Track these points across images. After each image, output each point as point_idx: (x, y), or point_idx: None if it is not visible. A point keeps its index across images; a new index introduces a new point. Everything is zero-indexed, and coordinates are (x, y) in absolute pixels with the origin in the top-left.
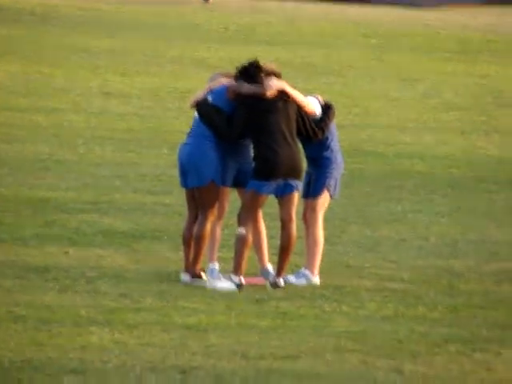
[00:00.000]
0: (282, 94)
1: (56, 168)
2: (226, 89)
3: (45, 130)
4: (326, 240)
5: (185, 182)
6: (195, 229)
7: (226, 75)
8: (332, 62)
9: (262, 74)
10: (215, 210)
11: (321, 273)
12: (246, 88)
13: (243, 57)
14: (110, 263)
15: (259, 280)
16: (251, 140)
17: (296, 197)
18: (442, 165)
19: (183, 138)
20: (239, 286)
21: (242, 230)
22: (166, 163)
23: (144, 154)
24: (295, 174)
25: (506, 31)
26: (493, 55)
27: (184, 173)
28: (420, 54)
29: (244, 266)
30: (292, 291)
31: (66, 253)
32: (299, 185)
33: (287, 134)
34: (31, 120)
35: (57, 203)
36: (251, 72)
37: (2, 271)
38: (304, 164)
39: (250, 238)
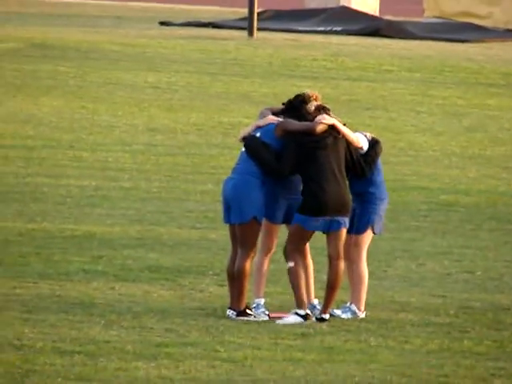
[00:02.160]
0: (332, 131)
1: (102, 203)
2: (275, 126)
3: (90, 165)
4: (372, 274)
5: (228, 217)
6: (236, 265)
7: (275, 110)
8: (376, 96)
9: (309, 105)
10: (255, 247)
11: (366, 307)
12: (297, 125)
13: (287, 91)
14: (156, 298)
15: (286, 313)
16: (300, 176)
17: (344, 233)
18: (487, 199)
19: (228, 174)
20: (306, 317)
21: (290, 264)
22: (211, 199)
23: (189, 190)
24: (343, 210)
25: None
26: None
27: (227, 208)
28: (465, 88)
29: (305, 296)
30: (337, 325)
31: (112, 288)
32: (347, 221)
33: (336, 171)
34: (76, 155)
35: (103, 239)
36: (297, 105)
37: (48, 306)
38: (351, 201)
39: (302, 271)
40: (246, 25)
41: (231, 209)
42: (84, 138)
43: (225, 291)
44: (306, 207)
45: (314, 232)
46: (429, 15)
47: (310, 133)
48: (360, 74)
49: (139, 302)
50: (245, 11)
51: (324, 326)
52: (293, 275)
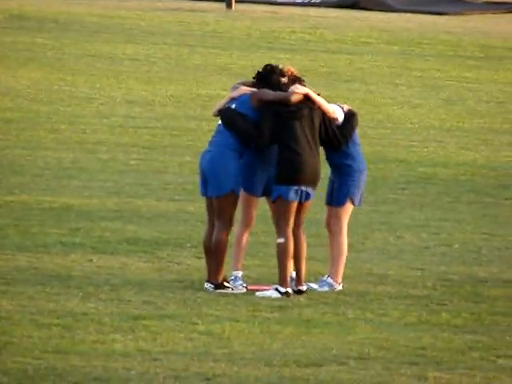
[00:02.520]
0: (307, 101)
1: (79, 175)
2: (250, 96)
3: (68, 137)
4: (350, 247)
5: (205, 190)
6: (213, 238)
7: (247, 84)
8: (355, 68)
9: (283, 79)
10: (233, 220)
11: (344, 279)
12: (271, 95)
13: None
14: (134, 271)
15: (264, 286)
16: (276, 145)
17: (310, 205)
18: (466, 171)
19: (206, 146)
20: (285, 294)
21: (280, 240)
22: (189, 171)
23: (167, 162)
24: (315, 181)
25: None
26: None
27: (204, 181)
28: (443, 60)
29: (288, 274)
30: (315, 298)
31: (90, 260)
32: (314, 193)
33: (311, 141)
34: (53, 128)
35: (80, 211)
36: (267, 76)
37: (26, 278)
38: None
39: (291, 246)
40: None
41: (208, 182)
42: (62, 110)
43: (202, 264)
44: (282, 175)
45: (295, 203)
46: None
47: (285, 103)
48: (338, 47)
49: (117, 275)
50: None
51: (302, 298)
52: (281, 251)
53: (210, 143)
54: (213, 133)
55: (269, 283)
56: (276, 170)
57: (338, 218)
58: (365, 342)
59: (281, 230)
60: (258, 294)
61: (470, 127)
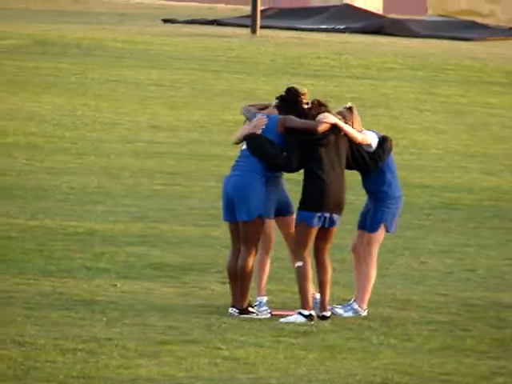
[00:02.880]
0: (334, 128)
1: (104, 200)
2: (277, 123)
3: (92, 162)
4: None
5: (229, 214)
6: (239, 263)
7: (259, 106)
8: (379, 94)
9: (307, 104)
10: (258, 245)
11: (368, 305)
12: (299, 123)
13: None
14: (158, 296)
15: (288, 311)
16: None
17: (334, 232)
18: (490, 197)
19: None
20: (309, 317)
21: (299, 263)
22: (214, 196)
23: (192, 187)
24: (340, 208)
25: None
26: None
27: (229, 205)
28: (467, 86)
29: (310, 297)
30: (339, 323)
31: (114, 285)
32: (339, 220)
33: (337, 168)
34: (78, 153)
35: (105, 236)
36: (290, 99)
37: (50, 303)
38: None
39: (310, 271)
40: (249, 22)
41: (237, 207)
42: (86, 135)
43: (227, 289)
44: (308, 202)
45: (317, 229)
46: (432, 13)
47: (312, 132)
48: (363, 72)
49: (141, 300)
50: (248, 9)
51: (326, 324)
52: (300, 275)
53: (235, 168)
54: (236, 157)
55: (293, 308)
56: (301, 196)
57: (370, 244)
58: (389, 368)
59: (299, 254)
60: (282, 320)
61: (494, 153)
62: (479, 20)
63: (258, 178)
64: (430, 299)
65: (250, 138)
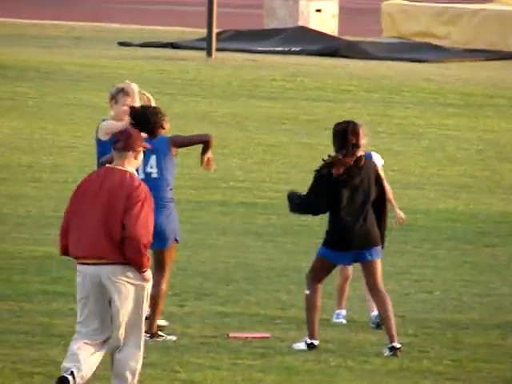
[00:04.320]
0: (359, 167)
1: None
2: (168, 143)
3: (49, 186)
4: (330, 295)
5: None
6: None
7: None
8: (335, 116)
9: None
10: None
11: (326, 327)
12: (187, 138)
13: (246, 112)
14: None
15: (245, 334)
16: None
17: (376, 263)
18: (446, 219)
19: (184, 194)
20: (310, 346)
21: (307, 291)
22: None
23: None
24: (370, 243)
25: (507, 86)
26: (495, 110)
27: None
28: (423, 108)
29: (315, 326)
30: None
31: (72, 309)
32: (375, 252)
33: (362, 208)
34: (35, 176)
35: (62, 260)
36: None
37: (8, 327)
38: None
39: (318, 300)
40: (204, 45)
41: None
42: (43, 158)
43: (185, 311)
44: (330, 242)
45: (336, 264)
46: (387, 35)
47: (203, 143)
48: (319, 94)
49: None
50: (204, 31)
51: (283, 346)
52: (307, 303)
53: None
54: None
55: (251, 331)
56: (326, 235)
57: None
58: None
59: (309, 283)
60: (293, 346)
61: (450, 174)
62: (435, 42)
63: (169, 205)
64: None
65: (291, 207)
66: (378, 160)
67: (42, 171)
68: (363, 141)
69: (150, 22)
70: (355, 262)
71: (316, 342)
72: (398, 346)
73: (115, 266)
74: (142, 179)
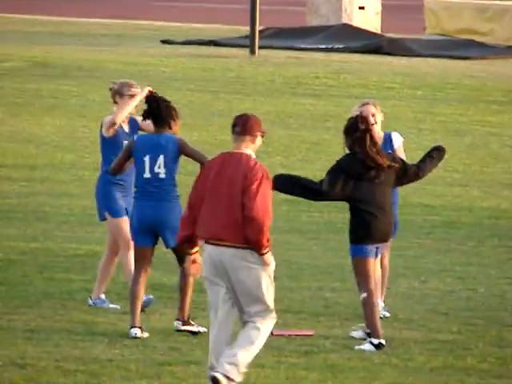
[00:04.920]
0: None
1: (103, 222)
2: (176, 143)
3: (92, 184)
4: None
5: (145, 240)
6: (185, 279)
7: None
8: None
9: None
10: None
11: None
12: (194, 151)
13: (289, 109)
14: (159, 317)
15: (290, 331)
16: (349, 204)
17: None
18: (490, 216)
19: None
20: (379, 346)
21: (363, 295)
22: None
23: None
24: (388, 239)
25: None
26: None
27: (147, 231)
28: (466, 105)
29: (377, 326)
30: (340, 343)
31: (115, 307)
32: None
33: (384, 200)
34: (78, 174)
35: None
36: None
37: (51, 325)
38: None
39: (376, 301)
40: (247, 43)
41: (162, 234)
42: (86, 156)
43: None
44: (359, 236)
45: (371, 258)
46: (430, 32)
47: (200, 163)
48: (362, 92)
49: (142, 321)
50: (247, 29)
51: (327, 343)
52: (366, 306)
53: (144, 195)
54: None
55: (294, 329)
56: (353, 231)
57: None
58: None
59: (362, 285)
60: (356, 347)
61: (493, 171)
62: (478, 38)
63: (176, 202)
64: (431, 318)
65: (275, 184)
66: (397, 138)
67: (84, 169)
68: (377, 118)
69: (193, 19)
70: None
71: (383, 341)
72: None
73: (237, 250)
74: (148, 178)
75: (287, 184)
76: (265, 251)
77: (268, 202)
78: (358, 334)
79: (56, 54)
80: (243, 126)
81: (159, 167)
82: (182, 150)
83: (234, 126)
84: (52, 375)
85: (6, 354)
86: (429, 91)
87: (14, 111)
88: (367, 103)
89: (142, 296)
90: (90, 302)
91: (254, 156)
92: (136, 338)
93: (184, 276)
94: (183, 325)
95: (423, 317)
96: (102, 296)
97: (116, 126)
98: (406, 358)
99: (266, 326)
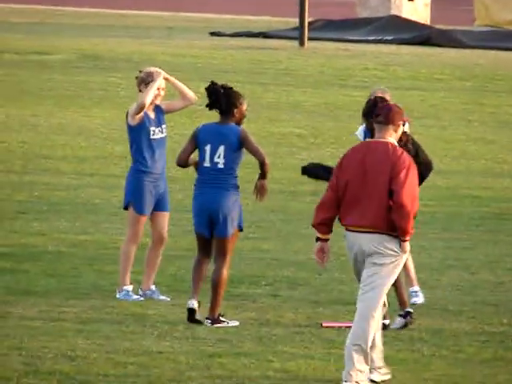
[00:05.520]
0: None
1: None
2: (239, 134)
3: None
4: (424, 284)
5: (207, 229)
6: (218, 274)
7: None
8: (428, 105)
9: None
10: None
11: (419, 316)
12: (255, 145)
13: (339, 101)
14: (209, 309)
15: (340, 323)
16: None
17: None
18: None
19: (279, 185)
20: (406, 315)
21: None
22: (264, 209)
23: (242, 200)
24: None
25: None
26: None
27: (208, 220)
28: None
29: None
30: (390, 335)
31: (165, 298)
32: None
33: None
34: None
35: None
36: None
37: (101, 318)
38: None
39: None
40: (296, 34)
41: (217, 223)
42: None
43: (277, 302)
44: None
45: None
46: (480, 24)
47: (258, 160)
48: (411, 83)
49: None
50: (296, 21)
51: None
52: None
53: (205, 185)
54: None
55: (344, 321)
56: None
57: None
58: (440, 379)
59: None
60: (392, 326)
61: None
62: None
63: (233, 192)
64: (481, 310)
65: (308, 171)
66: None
67: None
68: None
69: (242, 11)
70: None
71: (410, 309)
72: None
73: (378, 235)
74: (207, 167)
75: (318, 171)
76: (407, 238)
77: (415, 190)
78: (396, 324)
79: (105, 47)
80: (386, 115)
81: (219, 157)
82: (242, 142)
83: (376, 115)
84: (102, 367)
85: (57, 346)
86: (478, 83)
87: (63, 103)
88: (379, 90)
89: (204, 278)
90: (140, 293)
91: (396, 144)
92: (192, 309)
93: (218, 274)
94: (212, 323)
95: (473, 308)
96: (153, 287)
97: (145, 109)
98: (455, 349)
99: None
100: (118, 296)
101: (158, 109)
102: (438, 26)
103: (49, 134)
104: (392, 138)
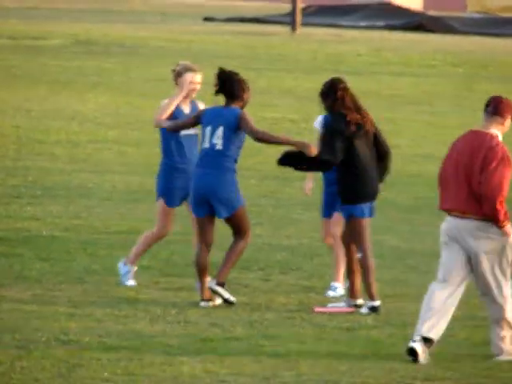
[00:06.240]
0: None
1: (146, 199)
2: (237, 116)
3: (135, 161)
4: (415, 269)
5: (202, 210)
6: (237, 246)
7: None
8: (420, 91)
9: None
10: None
11: (413, 302)
12: (253, 126)
13: None
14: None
15: (348, 308)
16: (340, 166)
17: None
18: None
19: (273, 169)
20: (376, 308)
21: (358, 255)
22: (256, 194)
23: None
24: (377, 195)
25: None
26: None
27: (202, 201)
28: (508, 83)
29: (373, 288)
30: (382, 319)
31: (157, 283)
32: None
33: (371, 158)
34: (120, 151)
35: None
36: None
37: (94, 301)
38: None
39: (371, 262)
40: (289, 20)
41: (216, 205)
42: (129, 133)
43: (269, 286)
44: (356, 195)
45: (369, 219)
46: (471, 10)
47: (254, 137)
48: (403, 69)
49: (184, 297)
50: (288, 6)
51: (369, 320)
52: (362, 267)
53: (203, 164)
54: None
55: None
56: (349, 190)
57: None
58: (432, 363)
59: (358, 246)
60: (362, 310)
61: None
62: None
63: (230, 175)
64: (475, 294)
65: (281, 162)
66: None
67: (127, 146)
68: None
69: None
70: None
71: (378, 303)
72: (358, 302)
73: (475, 222)
74: (206, 148)
75: (293, 160)
76: (502, 224)
77: (503, 182)
78: (364, 309)
79: (99, 32)
80: (495, 106)
81: (218, 138)
82: (240, 123)
83: (487, 105)
84: (95, 351)
85: (50, 330)
86: (470, 69)
87: (56, 88)
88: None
89: (207, 267)
90: (124, 260)
91: (500, 137)
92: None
93: (235, 246)
94: (217, 284)
95: (464, 294)
96: (135, 268)
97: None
98: (447, 333)
99: None
100: (119, 264)
101: (193, 105)
102: (429, 12)
103: (42, 118)
104: (497, 129)
